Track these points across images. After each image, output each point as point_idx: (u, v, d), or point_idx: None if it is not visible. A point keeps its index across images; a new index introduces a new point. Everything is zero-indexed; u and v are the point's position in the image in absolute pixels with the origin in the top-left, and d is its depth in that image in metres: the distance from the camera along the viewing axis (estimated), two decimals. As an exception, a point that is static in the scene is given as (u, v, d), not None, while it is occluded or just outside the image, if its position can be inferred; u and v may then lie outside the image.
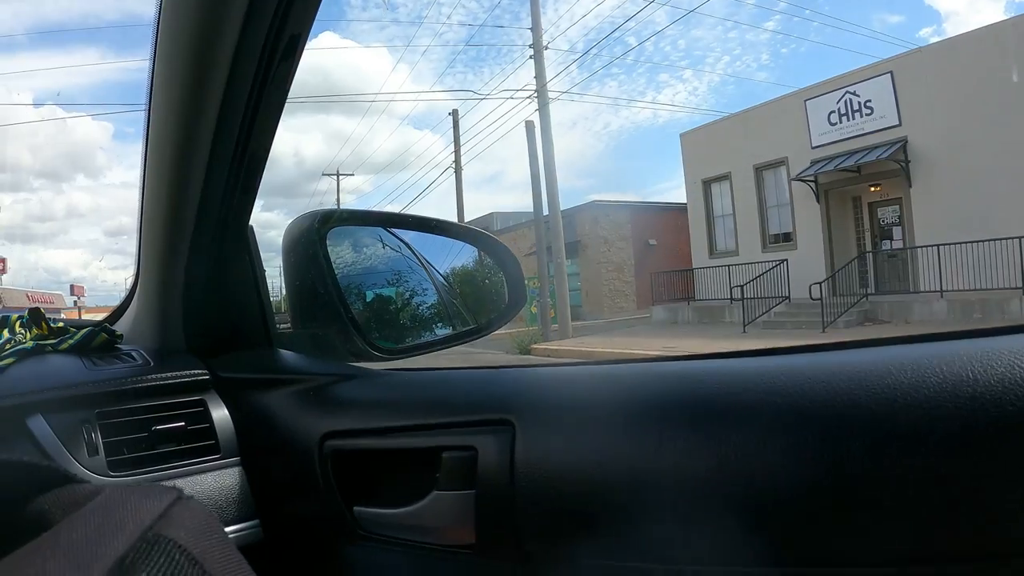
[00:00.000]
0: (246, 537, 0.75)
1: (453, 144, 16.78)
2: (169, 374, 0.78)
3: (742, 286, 12.04)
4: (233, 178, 0.76)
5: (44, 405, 0.72)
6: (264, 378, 0.81)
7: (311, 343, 0.84)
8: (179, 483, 0.75)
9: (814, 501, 0.42)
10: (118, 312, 0.99)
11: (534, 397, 0.61)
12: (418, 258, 0.87)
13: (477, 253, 0.86)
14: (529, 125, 12.10)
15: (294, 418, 0.76)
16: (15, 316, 0.87)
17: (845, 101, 11.92)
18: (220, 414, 0.80)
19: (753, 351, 0.56)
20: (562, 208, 12.32)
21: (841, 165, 11.65)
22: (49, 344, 0.80)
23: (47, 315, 0.88)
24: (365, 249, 0.85)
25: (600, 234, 18.12)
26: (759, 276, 12.37)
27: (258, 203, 0.81)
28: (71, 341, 0.81)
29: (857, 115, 11.76)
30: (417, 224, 0.87)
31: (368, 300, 0.84)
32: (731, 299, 12.59)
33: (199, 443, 0.78)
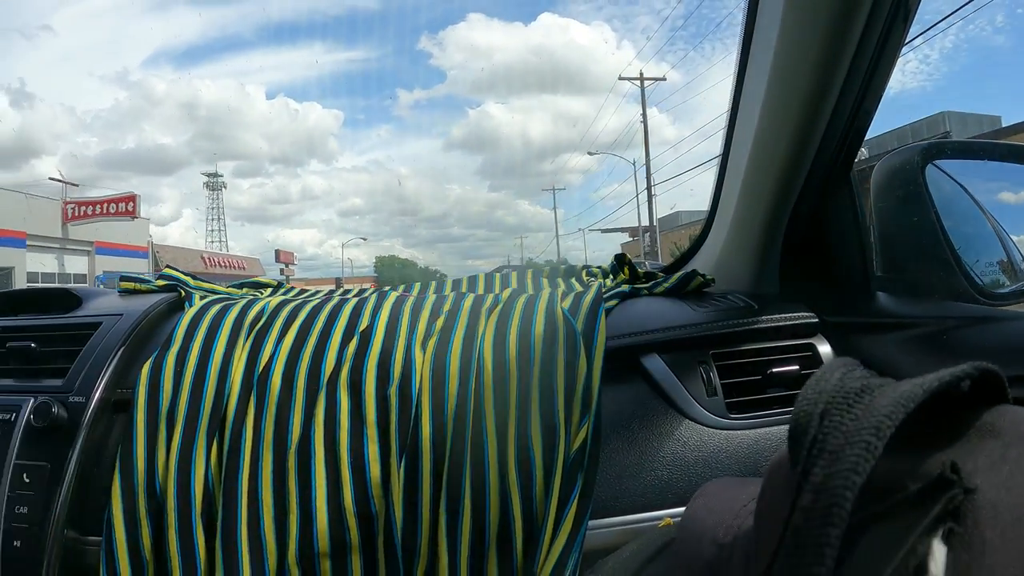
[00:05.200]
0: None
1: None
2: (779, 316, 0.79)
3: None
4: (850, 120, 0.74)
5: (659, 345, 0.75)
6: (871, 322, 0.78)
7: (903, 286, 0.80)
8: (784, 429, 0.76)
9: None
10: (683, 258, 1.02)
11: None
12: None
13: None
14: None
15: (917, 364, 0.73)
16: (595, 267, 0.93)
17: None
18: (829, 358, 0.79)
19: None
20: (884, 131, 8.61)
21: None
22: (644, 287, 0.84)
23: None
24: (965, 183, 0.78)
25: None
26: None
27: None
28: (666, 284, 0.84)
29: None
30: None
31: (966, 240, 0.78)
32: None
33: None
